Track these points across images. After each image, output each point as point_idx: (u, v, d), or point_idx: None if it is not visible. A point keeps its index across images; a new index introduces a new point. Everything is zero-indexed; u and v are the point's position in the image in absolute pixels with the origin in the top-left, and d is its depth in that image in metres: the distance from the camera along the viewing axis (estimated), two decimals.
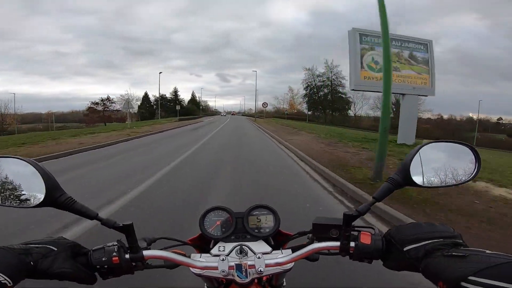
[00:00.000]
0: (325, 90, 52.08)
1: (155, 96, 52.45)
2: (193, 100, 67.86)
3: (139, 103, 49.22)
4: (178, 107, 38.30)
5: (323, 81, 52.08)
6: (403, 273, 0.48)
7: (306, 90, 54.14)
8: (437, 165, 0.49)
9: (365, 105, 48.85)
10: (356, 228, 0.51)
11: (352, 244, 0.50)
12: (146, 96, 52.73)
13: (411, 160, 0.48)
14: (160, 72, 44.71)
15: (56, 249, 0.45)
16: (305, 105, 56.19)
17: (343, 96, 51.10)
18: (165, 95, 56.95)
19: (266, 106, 40.61)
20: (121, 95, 43.53)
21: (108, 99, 40.29)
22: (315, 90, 52.97)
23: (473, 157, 0.49)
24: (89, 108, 40.22)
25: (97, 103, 39.91)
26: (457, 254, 0.38)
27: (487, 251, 0.37)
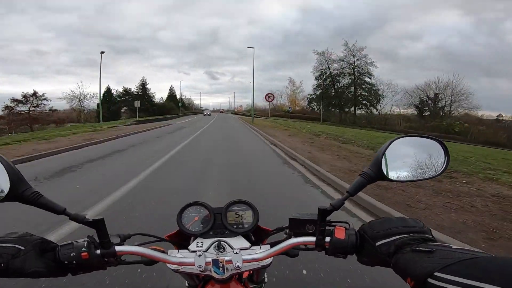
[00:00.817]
0: (345, 81, 40.50)
1: (118, 91, 42.25)
2: (171, 96, 57.49)
3: (97, 100, 33.34)
4: (137, 104, 27.26)
5: (342, 68, 40.35)
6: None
7: (319, 80, 41.87)
8: (408, 159, 0.51)
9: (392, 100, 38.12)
10: (332, 223, 0.52)
11: (327, 239, 0.50)
12: (108, 92, 39.45)
13: (383, 155, 0.49)
14: (102, 52, 24.43)
15: (23, 248, 0.43)
16: (307, 102, 45.72)
17: (372, 88, 39.13)
18: (130, 89, 43.96)
19: (272, 99, 27.78)
20: (71, 91, 34.62)
21: (35, 95, 28.03)
22: (329, 80, 41.06)
23: (443, 151, 0.50)
24: (7, 107, 27.17)
25: (19, 101, 27.51)
26: (424, 249, 0.38)
27: (453, 246, 0.37)
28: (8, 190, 0.43)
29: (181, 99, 58.89)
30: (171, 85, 72.59)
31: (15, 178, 0.43)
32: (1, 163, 0.43)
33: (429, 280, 0.35)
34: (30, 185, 0.45)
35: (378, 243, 0.44)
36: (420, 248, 0.39)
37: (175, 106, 50.85)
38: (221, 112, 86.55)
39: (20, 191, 0.44)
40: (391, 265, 0.43)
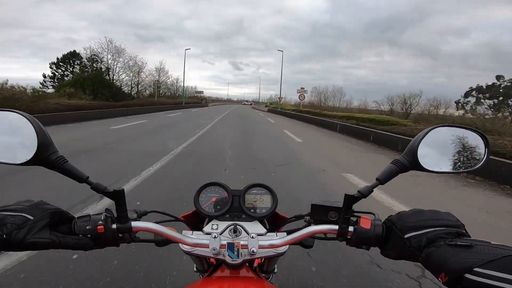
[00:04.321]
0: None
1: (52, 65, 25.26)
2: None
3: None
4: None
5: None
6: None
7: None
8: (445, 150, 0.47)
9: None
10: (355, 213, 0.49)
11: (351, 228, 0.48)
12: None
13: (419, 143, 0.46)
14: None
15: (32, 217, 0.41)
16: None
17: None
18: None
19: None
20: None
21: None
22: None
23: (483, 144, 0.47)
24: None
25: None
26: (462, 244, 0.36)
27: (493, 242, 0.35)
28: (34, 153, 0.41)
29: (175, 84, 38.92)
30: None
31: (44, 141, 0.42)
32: (32, 124, 0.42)
33: (467, 275, 0.33)
34: (57, 149, 0.44)
35: (407, 235, 0.42)
36: (457, 243, 0.36)
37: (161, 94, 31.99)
38: (250, 104, 71.88)
39: (46, 155, 0.43)
40: (420, 259, 0.40)
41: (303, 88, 25.57)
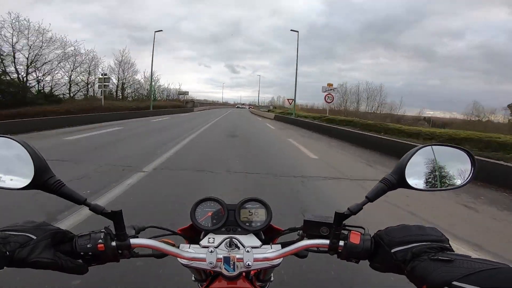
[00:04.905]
0: None
1: None
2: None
3: None
4: None
5: None
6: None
7: None
8: (432, 168, 0.49)
9: None
10: (346, 227, 0.51)
11: (341, 243, 0.50)
12: None
13: (407, 162, 0.48)
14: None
15: (35, 237, 0.43)
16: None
17: None
18: None
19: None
20: None
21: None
22: None
23: (469, 162, 0.49)
24: None
25: None
26: (443, 258, 0.38)
27: (473, 256, 0.37)
28: (32, 178, 0.43)
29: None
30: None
31: (40, 166, 0.44)
32: (27, 150, 0.43)
33: None
34: (54, 173, 0.45)
35: (394, 250, 0.44)
36: (439, 257, 0.38)
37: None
38: (250, 107, 58.21)
39: (44, 180, 0.44)
40: (405, 272, 0.42)
41: (331, 85, 15.57)
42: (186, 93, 42.13)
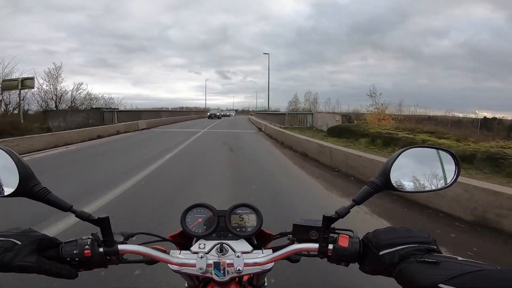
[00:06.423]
0: None
1: None
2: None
3: None
4: None
5: None
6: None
7: None
8: (417, 170, 0.50)
9: None
10: (336, 231, 0.51)
11: (331, 246, 0.50)
12: None
13: (392, 164, 0.48)
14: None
15: (20, 242, 0.43)
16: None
17: None
18: None
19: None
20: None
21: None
22: None
23: (453, 162, 0.49)
24: None
25: None
26: (430, 260, 0.38)
27: (459, 258, 0.37)
28: (17, 186, 0.43)
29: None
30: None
31: (25, 173, 0.44)
32: (12, 158, 0.43)
33: None
34: (39, 181, 0.45)
35: (382, 252, 0.44)
36: (426, 259, 0.39)
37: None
38: (250, 114, 46.75)
39: (29, 187, 0.44)
40: (394, 275, 0.42)
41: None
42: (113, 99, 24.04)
